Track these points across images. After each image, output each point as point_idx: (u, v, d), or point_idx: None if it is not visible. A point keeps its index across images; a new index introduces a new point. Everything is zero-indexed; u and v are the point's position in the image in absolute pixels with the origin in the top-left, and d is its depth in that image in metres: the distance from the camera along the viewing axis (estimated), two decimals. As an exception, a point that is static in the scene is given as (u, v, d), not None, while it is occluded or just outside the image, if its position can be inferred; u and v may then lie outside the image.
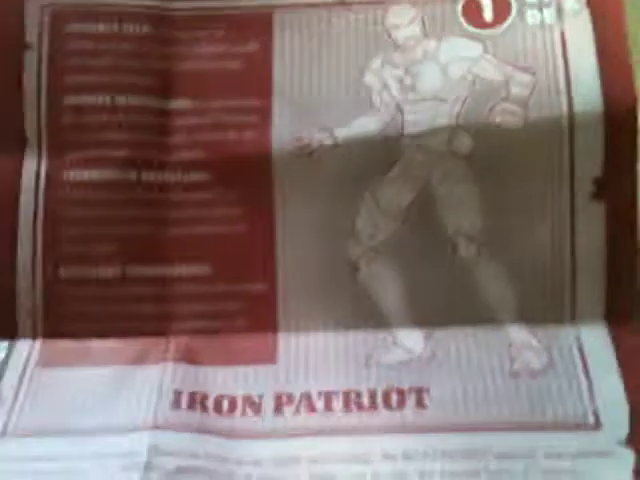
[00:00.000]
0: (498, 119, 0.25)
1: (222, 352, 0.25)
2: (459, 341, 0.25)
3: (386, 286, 0.26)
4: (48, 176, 0.26)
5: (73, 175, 0.26)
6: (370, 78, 0.26)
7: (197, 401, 0.24)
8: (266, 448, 0.23)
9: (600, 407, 0.23)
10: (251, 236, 0.26)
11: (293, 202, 0.26)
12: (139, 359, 0.25)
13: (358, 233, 0.26)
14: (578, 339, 0.25)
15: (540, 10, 0.26)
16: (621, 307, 0.25)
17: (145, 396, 0.24)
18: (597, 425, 0.23)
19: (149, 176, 0.26)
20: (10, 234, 0.26)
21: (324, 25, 0.27)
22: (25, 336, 0.26)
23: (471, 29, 0.26)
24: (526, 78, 0.25)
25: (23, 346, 0.25)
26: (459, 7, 0.26)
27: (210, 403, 0.24)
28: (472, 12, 0.26)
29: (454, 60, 0.26)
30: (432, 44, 0.26)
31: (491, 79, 0.25)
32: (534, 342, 0.25)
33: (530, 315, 0.25)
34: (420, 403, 0.24)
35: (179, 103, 0.27)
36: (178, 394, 0.24)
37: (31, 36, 0.27)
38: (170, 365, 0.25)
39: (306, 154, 0.26)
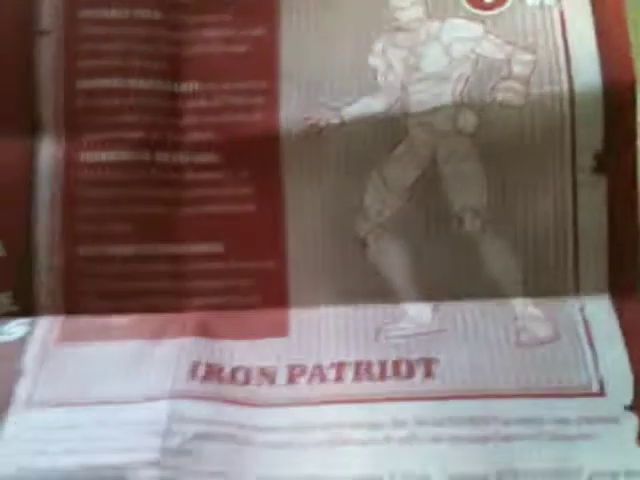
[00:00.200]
0: (500, 97, 0.26)
1: (236, 326, 0.26)
2: (466, 314, 0.26)
3: (394, 261, 0.26)
4: (64, 158, 0.27)
5: (88, 157, 0.27)
6: (375, 59, 0.27)
7: (214, 372, 0.25)
8: (281, 415, 0.24)
9: (604, 375, 0.24)
10: (261, 215, 0.27)
11: (301, 181, 0.27)
12: (157, 334, 0.26)
13: (365, 210, 0.26)
14: (582, 311, 0.25)
15: (540, -9, 0.26)
16: (624, 280, 0.26)
17: (163, 368, 0.25)
18: (602, 392, 0.23)
19: (162, 157, 0.27)
20: (27, 215, 0.27)
21: (329, 8, 0.27)
22: (46, 313, 0.26)
23: (473, 10, 0.27)
24: (527, 57, 0.26)
25: (44, 323, 0.26)
26: (461, -11, 0.27)
27: (226, 374, 0.25)
28: (474, -6, 0.27)
29: (456, 40, 0.26)
30: (435, 25, 0.27)
31: (493, 58, 0.26)
32: (539, 314, 0.25)
33: (535, 288, 0.26)
34: (429, 372, 0.24)
35: (189, 86, 0.27)
36: (195, 366, 0.25)
37: (45, 22, 0.27)
38: (187, 339, 0.26)
39: (313, 134, 0.26)
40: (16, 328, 0.26)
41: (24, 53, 0.27)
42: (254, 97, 0.27)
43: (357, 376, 0.25)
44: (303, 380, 0.25)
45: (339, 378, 0.25)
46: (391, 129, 0.26)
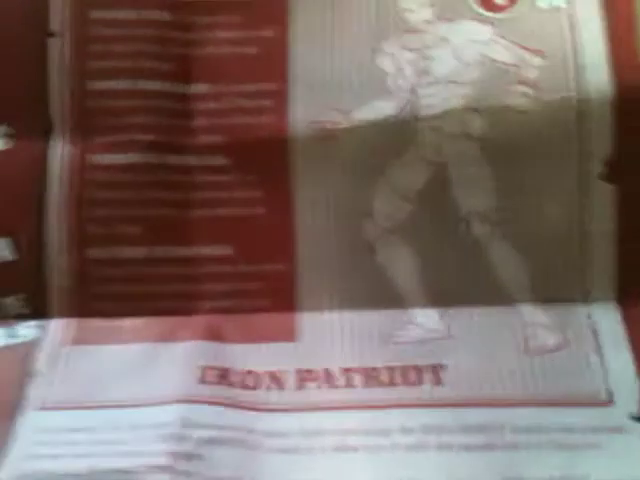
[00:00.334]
0: (510, 101, 0.25)
1: (245, 330, 0.26)
2: (474, 319, 0.26)
3: (402, 266, 0.26)
4: (74, 160, 0.27)
5: (99, 159, 0.27)
6: (384, 61, 0.26)
7: (223, 376, 0.25)
8: (291, 421, 0.24)
9: (612, 384, 0.24)
10: (270, 218, 0.27)
11: (310, 184, 0.27)
12: (167, 336, 0.26)
13: (374, 214, 0.26)
14: (590, 318, 0.25)
15: (550, -7, 0.26)
16: (632, 287, 0.25)
17: (174, 371, 0.25)
18: (609, 401, 0.23)
19: (172, 159, 0.27)
20: (38, 217, 0.27)
21: (338, 9, 0.27)
22: (57, 315, 0.27)
23: (482, 12, 0.26)
24: (537, 61, 0.26)
25: (56, 325, 0.27)
26: (470, -9, 0.27)
27: (235, 379, 0.25)
28: (483, -4, 0.26)
29: (466, 43, 0.26)
30: (444, 28, 0.27)
31: (502, 62, 0.26)
32: (547, 321, 0.25)
33: (543, 294, 0.26)
34: (437, 380, 0.25)
35: (199, 88, 0.27)
36: (205, 370, 0.25)
37: (55, 23, 0.27)
38: (196, 342, 0.26)
39: (323, 137, 0.26)
40: (28, 330, 0.27)
41: (35, 55, 0.27)
42: (264, 99, 0.27)
43: (366, 382, 0.25)
44: (312, 385, 0.25)
45: (348, 384, 0.25)
46: (400, 132, 0.26)
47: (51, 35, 0.27)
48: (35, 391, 0.25)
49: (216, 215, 0.27)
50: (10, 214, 0.27)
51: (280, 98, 0.27)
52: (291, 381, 0.25)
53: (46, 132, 0.27)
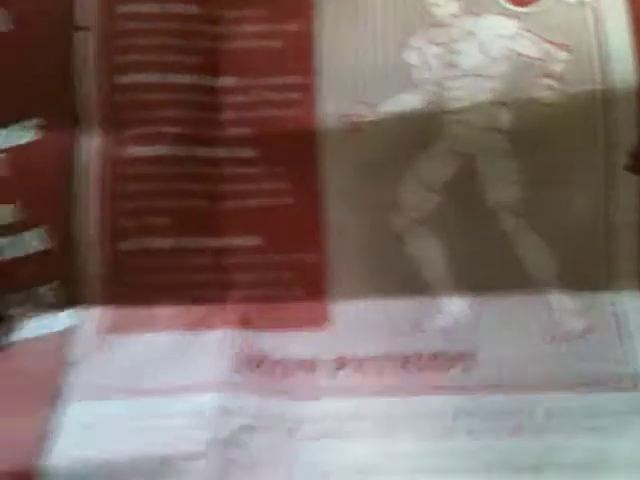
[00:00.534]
0: (536, 94, 0.26)
1: (277, 319, 0.27)
2: (502, 307, 0.26)
3: (430, 256, 0.27)
4: (104, 153, 0.28)
5: (128, 151, 0.28)
6: (411, 55, 0.27)
7: (257, 365, 0.26)
8: (325, 407, 0.25)
9: (636, 369, 0.24)
10: (299, 209, 0.27)
11: (338, 176, 0.27)
12: (200, 325, 0.27)
13: (402, 206, 0.27)
14: (614, 305, 0.26)
15: (575, -13, 0.27)
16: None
17: (209, 360, 0.25)
18: (634, 385, 0.24)
19: (200, 151, 0.28)
20: (70, 209, 0.27)
21: (364, 3, 0.27)
22: (91, 304, 0.27)
23: (508, 7, 0.27)
24: (562, 54, 0.26)
25: (90, 314, 0.27)
26: (496, -15, 0.27)
27: (268, 366, 0.26)
28: (509, -10, 0.27)
29: (492, 37, 0.27)
30: (470, 21, 0.27)
31: (528, 55, 0.26)
32: (573, 308, 0.26)
33: (569, 282, 0.26)
34: (466, 366, 0.25)
35: (226, 81, 0.28)
36: (238, 358, 0.26)
37: (82, 18, 0.28)
38: (229, 331, 0.26)
39: (350, 130, 0.27)
40: (62, 319, 0.27)
41: (63, 49, 0.28)
42: (291, 92, 0.27)
43: (396, 369, 0.25)
44: (344, 372, 0.26)
45: (379, 371, 0.25)
46: (427, 126, 0.26)
47: (79, 29, 0.28)
48: (73, 380, 0.25)
49: (245, 206, 0.28)
50: (42, 205, 0.28)
51: (307, 91, 0.27)
52: (324, 368, 0.26)
53: (75, 125, 0.28)
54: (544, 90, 0.26)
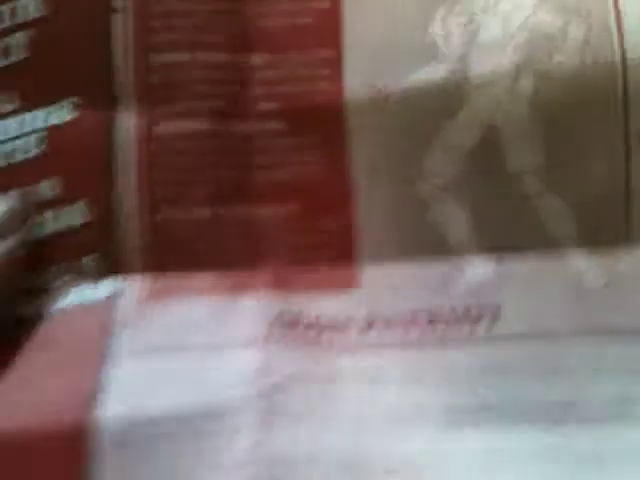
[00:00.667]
0: (557, 63, 0.27)
1: (309, 281, 0.28)
2: (525, 265, 0.27)
3: (454, 221, 0.28)
4: (141, 129, 0.29)
5: (164, 127, 0.29)
6: (435, 29, 0.28)
7: (292, 322, 0.27)
8: (359, 359, 0.26)
9: None
10: (328, 178, 0.29)
11: (366, 146, 0.28)
12: (237, 289, 0.28)
13: (427, 173, 0.28)
14: (635, 263, 0.27)
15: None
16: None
17: (248, 319, 0.27)
18: None
19: (232, 126, 0.29)
20: (110, 183, 0.29)
21: None
22: (132, 274, 0.28)
23: (528, -19, 0.28)
24: (581, 26, 0.27)
25: (132, 282, 0.28)
26: (516, -40, 0.28)
27: (304, 324, 0.27)
28: (529, -36, 0.28)
29: (513, 10, 0.28)
30: None
31: (548, 27, 0.27)
32: (593, 264, 0.27)
33: (589, 242, 0.27)
34: (492, 320, 0.26)
35: (257, 58, 0.29)
36: (275, 318, 0.27)
37: (117, 0, 0.29)
38: (264, 294, 0.28)
39: (377, 101, 0.28)
40: (104, 288, 0.28)
41: (100, 31, 0.29)
42: (319, 67, 0.29)
43: (423, 325, 0.27)
44: (377, 328, 0.27)
45: (411, 324, 0.27)
46: (452, 95, 0.28)
47: (115, 11, 0.29)
48: (118, 342, 0.27)
49: (276, 177, 0.29)
50: (82, 180, 0.29)
51: (335, 65, 0.29)
52: (357, 325, 0.27)
53: (113, 103, 0.29)
54: (564, 59, 0.27)
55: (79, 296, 0.28)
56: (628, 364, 0.25)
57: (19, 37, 0.29)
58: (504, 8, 0.28)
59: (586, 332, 0.26)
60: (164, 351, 0.26)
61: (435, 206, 0.28)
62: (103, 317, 0.27)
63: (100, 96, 0.29)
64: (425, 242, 0.28)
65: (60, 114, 0.29)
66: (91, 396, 0.25)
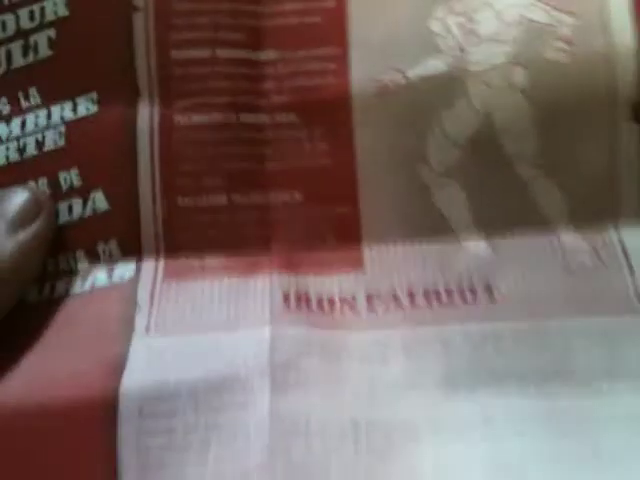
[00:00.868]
0: (548, 55, 0.29)
1: (318, 264, 0.30)
2: (520, 247, 0.29)
3: (455, 205, 0.30)
4: (161, 122, 0.31)
5: (183, 120, 0.31)
6: (435, 25, 0.30)
7: (302, 302, 0.29)
8: (364, 337, 0.28)
9: None
10: (335, 167, 0.31)
11: (371, 136, 0.30)
12: (249, 272, 0.30)
13: (429, 160, 0.30)
14: (622, 242, 0.29)
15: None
16: (657, 212, 0.29)
17: (259, 299, 0.29)
18: None
19: (247, 118, 0.31)
20: (131, 173, 0.30)
21: None
22: (150, 257, 0.30)
23: (521, -20, 0.30)
24: (569, 19, 0.29)
25: (149, 265, 0.30)
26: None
27: (313, 304, 0.29)
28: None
29: (507, 6, 0.30)
30: None
31: (540, 21, 0.29)
32: (585, 245, 0.29)
33: (580, 224, 0.29)
34: (491, 298, 0.28)
35: (268, 54, 0.31)
36: (286, 297, 0.29)
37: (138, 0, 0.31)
38: (276, 275, 0.29)
39: (382, 94, 0.30)
40: (125, 271, 0.30)
41: (122, 29, 0.31)
42: (327, 63, 0.31)
43: (428, 302, 0.28)
44: (381, 307, 0.29)
45: (412, 305, 0.29)
46: (451, 87, 0.30)
47: (136, 10, 0.31)
48: (138, 320, 0.28)
49: (287, 166, 0.31)
50: (104, 170, 0.31)
51: (342, 61, 0.30)
52: (362, 304, 0.29)
53: (135, 97, 0.31)
54: (555, 52, 0.29)
55: (101, 279, 0.30)
56: (613, 335, 0.27)
57: (44, 35, 0.31)
58: (499, 6, 0.30)
59: (573, 310, 0.28)
60: (182, 328, 0.28)
61: (436, 191, 0.30)
62: (125, 297, 0.29)
63: (121, 91, 0.31)
64: (426, 225, 0.30)
65: (87, 107, 0.31)
66: (116, 368, 0.26)
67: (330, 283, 0.29)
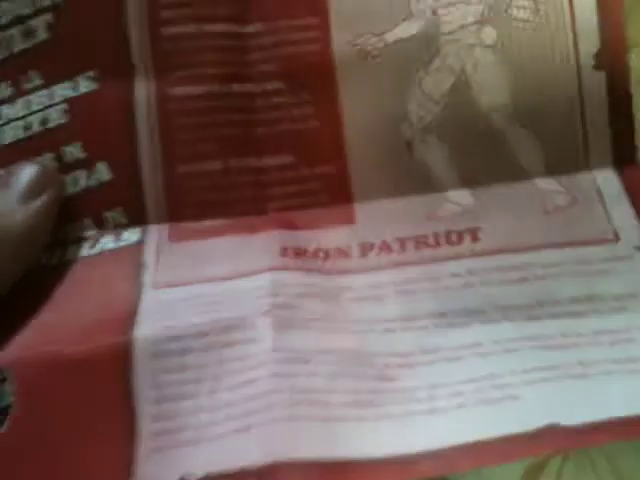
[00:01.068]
0: (514, 13, 0.31)
1: (312, 220, 0.32)
2: (500, 193, 0.31)
3: (436, 158, 0.32)
4: (157, 94, 0.32)
5: (177, 91, 0.32)
6: None
7: (299, 253, 0.31)
8: (359, 279, 0.30)
9: (617, 226, 0.30)
10: (323, 129, 0.33)
11: (355, 97, 0.32)
12: (248, 230, 0.32)
13: (410, 117, 0.32)
14: (594, 182, 0.31)
15: None
16: (625, 153, 0.31)
17: (259, 252, 0.30)
18: (616, 238, 0.29)
19: (237, 87, 0.33)
20: (132, 143, 0.32)
21: None
22: (153, 222, 0.32)
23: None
24: None
25: (153, 230, 0.32)
26: None
27: (310, 254, 0.31)
28: None
29: None
30: None
31: None
32: (559, 188, 0.31)
33: (555, 168, 0.32)
34: (475, 238, 0.30)
35: (253, 27, 0.33)
36: (284, 249, 0.31)
37: None
38: (273, 232, 0.31)
39: (362, 57, 0.32)
40: (131, 235, 0.32)
41: (116, 9, 0.32)
42: (309, 32, 0.33)
43: (417, 246, 0.31)
44: (373, 253, 0.31)
45: (402, 249, 0.31)
46: (426, 47, 0.32)
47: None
48: (147, 277, 0.30)
49: (277, 131, 0.33)
50: (106, 142, 0.32)
51: (323, 29, 0.32)
52: (355, 252, 0.31)
53: (131, 73, 0.33)
54: (520, 10, 0.31)
55: (108, 243, 0.32)
56: (590, 267, 0.29)
57: (41, 19, 0.33)
58: None
59: (555, 245, 0.30)
60: (187, 281, 0.30)
61: (418, 146, 0.32)
62: (132, 258, 0.31)
63: (118, 68, 0.33)
64: (411, 179, 0.32)
65: (82, 86, 0.33)
66: (128, 318, 0.28)
67: (325, 237, 0.31)
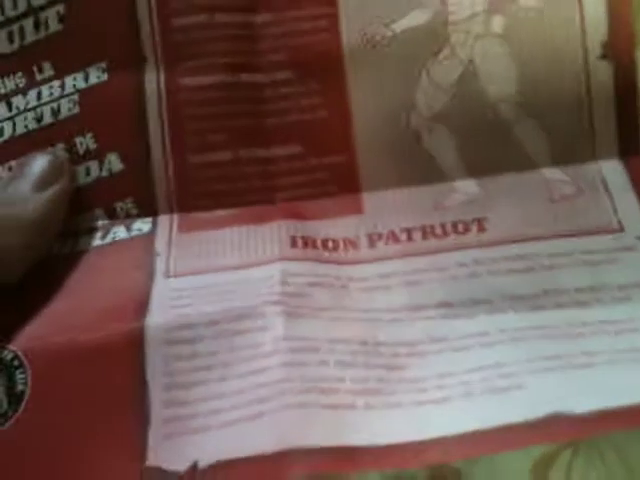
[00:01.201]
0: (522, 2, 0.31)
1: (320, 210, 0.32)
2: (507, 183, 0.32)
3: (444, 147, 0.32)
4: (167, 85, 0.33)
5: (187, 82, 0.33)
6: None
7: (308, 243, 0.31)
8: (368, 269, 0.30)
9: (622, 216, 0.30)
10: (332, 119, 0.33)
11: (363, 87, 0.33)
12: (257, 220, 0.32)
13: (418, 107, 0.32)
14: (600, 172, 0.31)
15: None
16: (631, 144, 0.32)
17: (269, 242, 0.31)
18: (621, 228, 0.30)
19: (246, 77, 0.33)
20: (142, 134, 0.33)
21: None
22: (164, 212, 0.33)
23: None
24: None
25: (164, 220, 0.32)
26: None
27: (319, 244, 0.31)
28: None
29: None
30: None
31: None
32: (565, 178, 0.32)
33: (561, 158, 0.32)
34: (481, 228, 0.31)
35: (263, 17, 0.33)
36: (293, 239, 0.31)
37: None
38: (283, 222, 0.32)
39: (371, 47, 0.32)
40: (142, 225, 0.32)
41: (126, 1, 0.33)
42: (318, 21, 0.33)
43: (424, 236, 0.31)
44: (380, 243, 0.31)
45: (409, 239, 0.31)
46: (435, 36, 0.32)
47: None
48: (159, 266, 0.31)
49: (286, 121, 0.33)
50: (117, 133, 0.33)
51: (332, 19, 0.33)
52: (363, 242, 0.31)
53: (141, 64, 0.33)
54: (527, 3, 0.31)
55: (121, 232, 0.32)
56: (595, 257, 0.29)
57: (53, 11, 0.33)
58: None
59: (558, 234, 0.30)
60: (198, 270, 0.30)
61: (426, 135, 0.33)
62: (144, 247, 0.31)
63: (129, 58, 0.33)
64: (419, 169, 0.33)
65: (92, 77, 0.33)
66: (140, 306, 0.29)
67: (334, 226, 0.32)
